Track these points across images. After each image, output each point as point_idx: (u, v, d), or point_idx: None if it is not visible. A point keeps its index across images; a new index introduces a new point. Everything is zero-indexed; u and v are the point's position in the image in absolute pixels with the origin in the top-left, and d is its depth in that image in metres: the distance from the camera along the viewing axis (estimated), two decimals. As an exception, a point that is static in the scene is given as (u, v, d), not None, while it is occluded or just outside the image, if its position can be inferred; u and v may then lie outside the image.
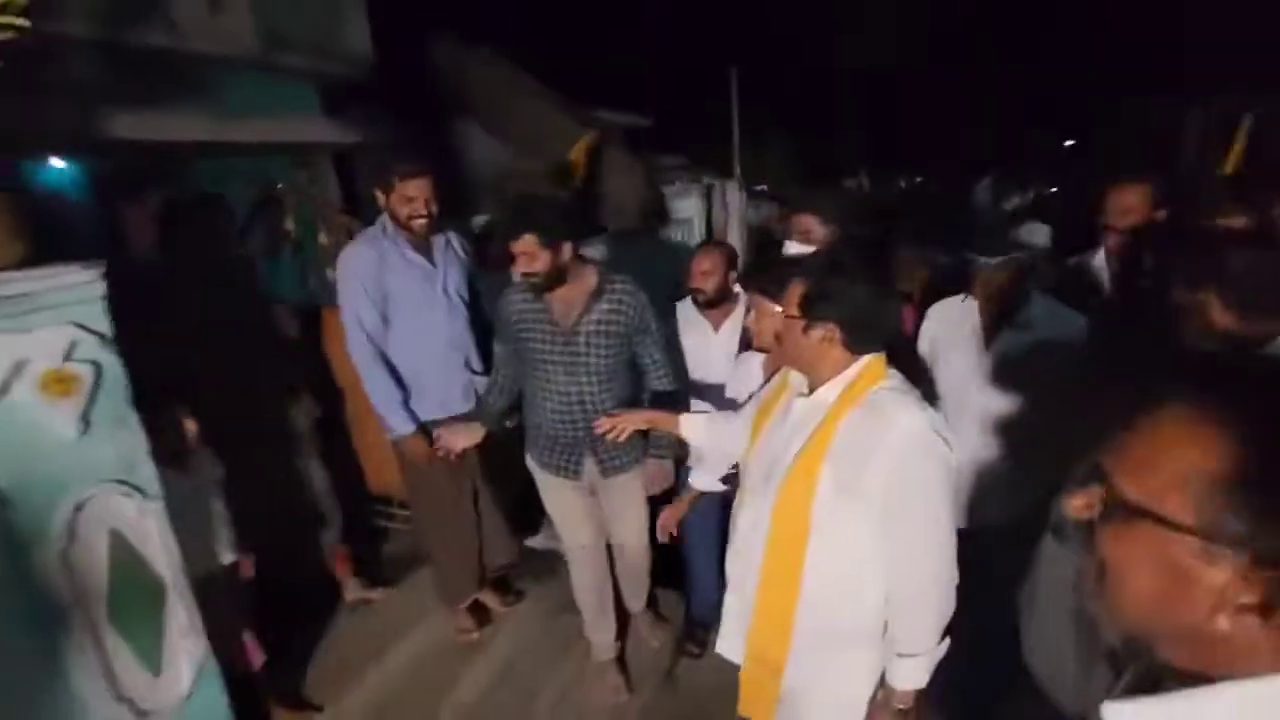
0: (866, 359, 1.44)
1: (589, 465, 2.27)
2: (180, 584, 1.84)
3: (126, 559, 1.72)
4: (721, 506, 2.72)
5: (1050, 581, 1.54)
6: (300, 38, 5.77)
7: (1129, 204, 2.37)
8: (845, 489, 1.39)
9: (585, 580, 2.51)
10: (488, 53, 6.62)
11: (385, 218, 2.37)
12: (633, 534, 2.44)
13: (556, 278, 2.07)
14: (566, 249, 2.05)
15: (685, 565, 2.95)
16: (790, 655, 1.51)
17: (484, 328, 2.64)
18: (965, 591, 1.82)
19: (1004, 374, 2.09)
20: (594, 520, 2.44)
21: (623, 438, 2.00)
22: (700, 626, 2.95)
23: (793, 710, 1.57)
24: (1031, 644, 1.59)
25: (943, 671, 2.08)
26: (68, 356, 1.57)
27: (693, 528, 2.80)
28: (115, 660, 1.72)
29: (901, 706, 1.45)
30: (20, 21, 1.46)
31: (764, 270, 1.96)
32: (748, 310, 2.14)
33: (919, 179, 13.88)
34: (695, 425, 1.95)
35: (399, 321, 2.38)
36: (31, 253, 1.53)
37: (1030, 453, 2.03)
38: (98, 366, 1.63)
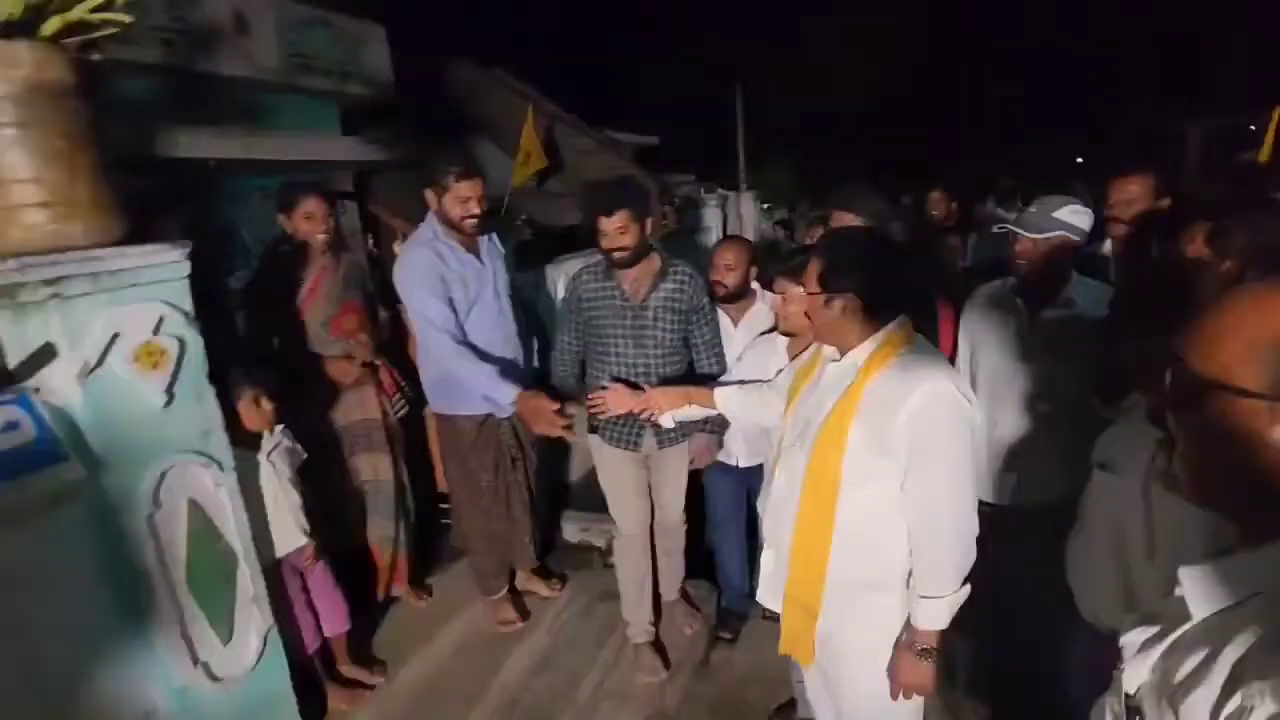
0: (891, 326, 1.56)
1: (648, 437, 2.43)
2: (250, 555, 1.92)
3: (203, 528, 1.80)
4: (746, 495, 2.81)
5: (1095, 520, 1.61)
6: (324, 61, 5.99)
7: (1133, 194, 2.49)
8: (873, 445, 1.49)
9: (629, 559, 2.60)
10: (503, 75, 6.84)
11: (433, 219, 2.45)
12: (675, 502, 2.63)
13: (638, 253, 2.28)
14: (648, 225, 2.29)
15: (715, 557, 3.02)
16: (824, 600, 1.61)
17: (525, 323, 2.74)
18: (1010, 571, 1.91)
19: (1047, 352, 2.14)
20: (644, 496, 2.57)
21: (661, 416, 2.10)
22: (732, 615, 3.02)
23: (830, 650, 1.67)
24: (1080, 587, 1.66)
25: (987, 648, 2.15)
26: (157, 331, 1.67)
27: (720, 519, 2.89)
28: (192, 626, 1.79)
29: (924, 646, 1.53)
30: (123, 17, 1.57)
31: (791, 258, 2.09)
32: (773, 297, 2.28)
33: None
34: (728, 397, 2.07)
35: (462, 319, 2.47)
36: (127, 233, 1.63)
37: (1073, 432, 2.07)
38: (182, 342, 1.72)
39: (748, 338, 2.61)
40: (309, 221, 2.47)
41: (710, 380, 2.35)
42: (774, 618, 1.75)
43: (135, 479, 1.66)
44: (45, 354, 1.56)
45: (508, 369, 2.47)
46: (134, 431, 1.66)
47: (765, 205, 8.58)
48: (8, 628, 1.46)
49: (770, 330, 2.54)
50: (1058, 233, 2.08)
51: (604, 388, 2.20)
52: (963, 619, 1.56)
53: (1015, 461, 2.23)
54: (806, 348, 1.99)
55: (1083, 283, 2.18)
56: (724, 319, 2.66)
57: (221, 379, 1.87)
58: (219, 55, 5.40)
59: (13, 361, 1.59)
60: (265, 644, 1.97)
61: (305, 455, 2.28)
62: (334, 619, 2.37)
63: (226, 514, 1.85)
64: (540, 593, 3.02)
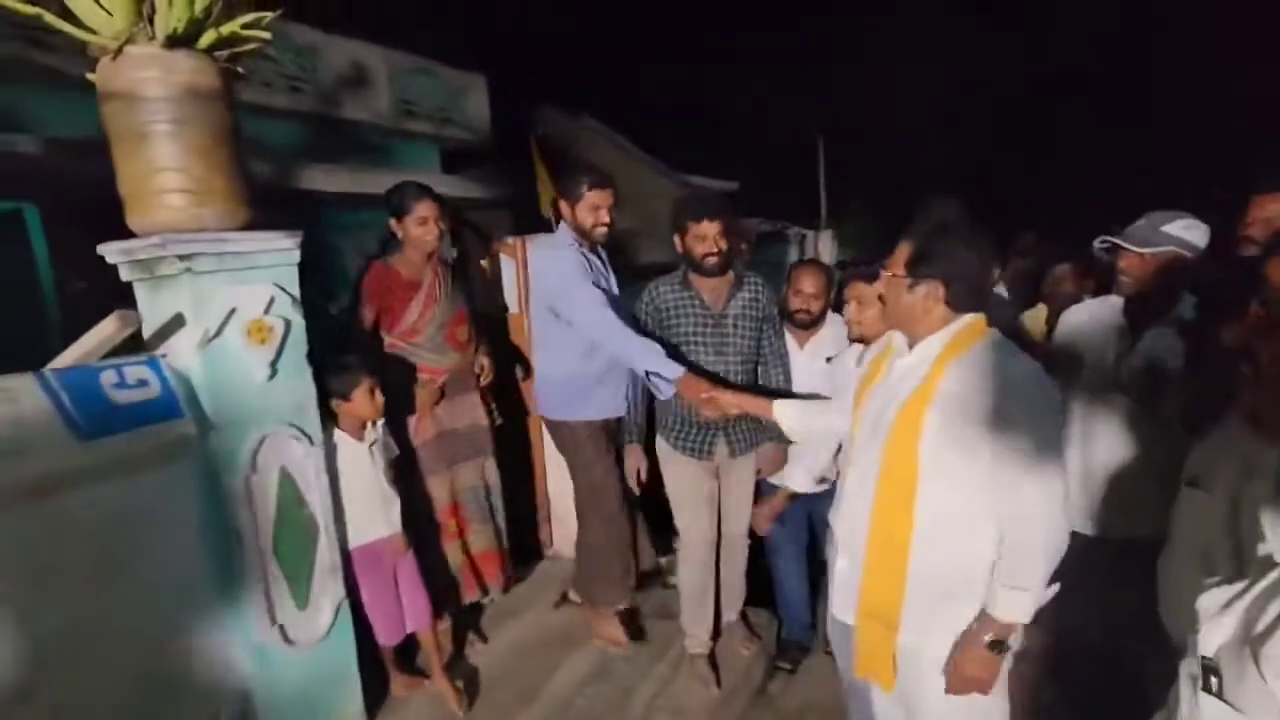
0: (968, 317, 1.53)
1: (720, 446, 2.45)
2: (329, 528, 2.04)
3: (291, 495, 1.94)
4: (808, 519, 2.76)
5: (1183, 537, 1.51)
6: (427, 107, 6.50)
7: (1274, 212, 2.29)
8: (952, 434, 1.45)
9: (692, 569, 2.58)
10: (589, 120, 7.21)
11: (566, 229, 2.51)
12: (741, 513, 2.61)
13: (726, 263, 2.36)
14: (734, 238, 2.40)
15: (776, 585, 2.95)
16: (904, 607, 1.53)
17: None
18: (1103, 609, 1.79)
19: (1150, 373, 1.97)
20: (712, 505, 2.57)
21: (710, 410, 2.18)
22: (793, 646, 2.92)
23: (912, 668, 1.56)
24: (1168, 609, 1.55)
25: (1079, 680, 1.99)
26: (268, 310, 1.85)
27: (780, 543, 2.85)
28: (274, 588, 1.92)
29: (997, 638, 1.44)
30: (265, 35, 1.81)
31: (868, 264, 2.09)
32: (845, 305, 2.29)
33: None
34: (787, 409, 2.04)
35: None
36: (253, 220, 1.84)
37: (1174, 458, 1.93)
38: (287, 322, 1.90)
39: (811, 363, 2.61)
40: (423, 226, 2.42)
41: (775, 391, 2.37)
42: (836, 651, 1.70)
43: (238, 443, 1.83)
44: (175, 323, 1.77)
45: (626, 374, 2.56)
46: (241, 399, 1.83)
47: (839, 247, 8.55)
48: (116, 565, 1.61)
49: (833, 355, 2.54)
50: (1167, 248, 1.95)
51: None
52: (1054, 662, 1.47)
53: (1112, 491, 2.06)
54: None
55: (1194, 302, 1.99)
56: (790, 341, 2.65)
57: (320, 376, 2.07)
58: (339, 101, 5.98)
59: (149, 330, 1.81)
60: (337, 615, 2.08)
61: (398, 451, 2.39)
62: (419, 614, 2.39)
63: (312, 485, 1.99)
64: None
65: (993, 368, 1.44)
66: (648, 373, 2.33)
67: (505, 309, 3.29)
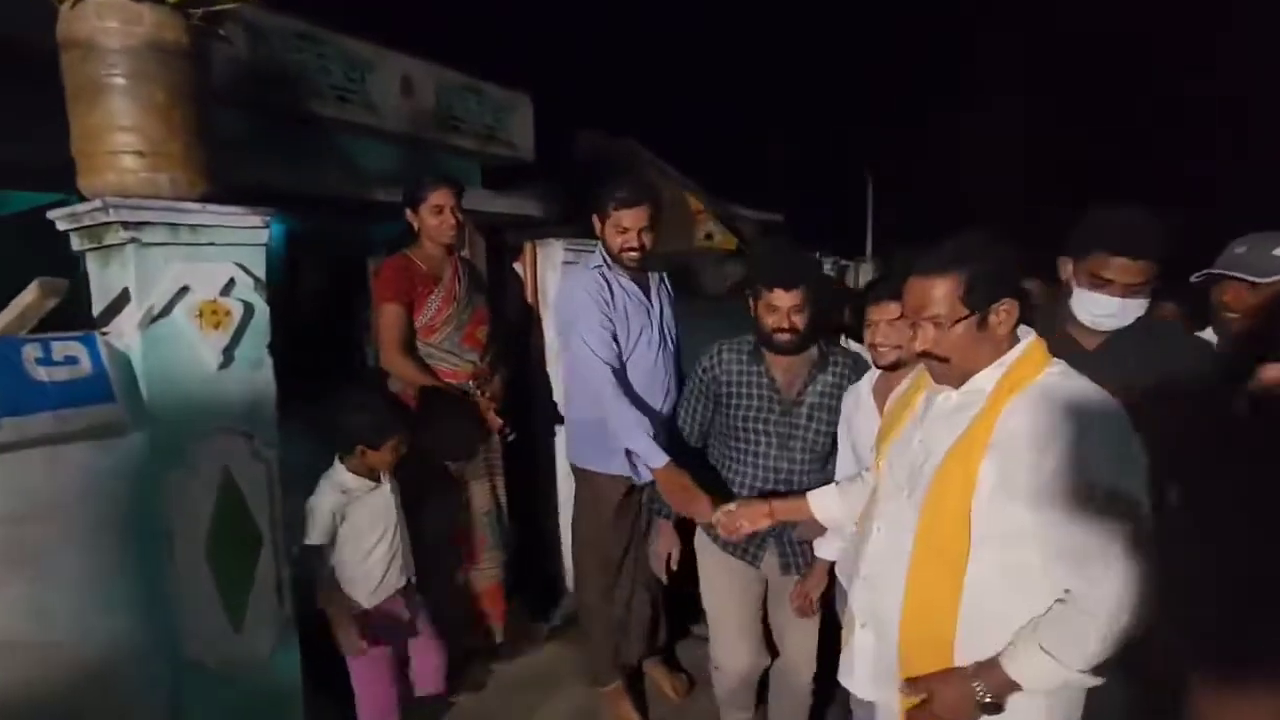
0: (1028, 342, 1.24)
1: (770, 557, 1.94)
2: (279, 543, 1.82)
3: (233, 501, 1.72)
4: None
5: None
6: (472, 124, 6.47)
7: None
8: (1013, 488, 1.14)
9: (726, 709, 2.11)
10: (632, 144, 7.08)
11: (601, 248, 2.24)
12: (802, 648, 1.99)
13: (803, 343, 1.88)
14: (815, 313, 1.88)
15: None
16: None
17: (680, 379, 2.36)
18: None
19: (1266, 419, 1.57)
20: (756, 625, 2.01)
21: (737, 535, 1.78)
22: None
23: None
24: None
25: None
26: (224, 291, 1.67)
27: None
28: (206, 603, 1.69)
29: (994, 696, 1.14)
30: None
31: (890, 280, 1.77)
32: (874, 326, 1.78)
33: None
34: (826, 499, 1.68)
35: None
36: (212, 193, 1.66)
37: None
38: (248, 307, 1.71)
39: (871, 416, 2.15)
40: (438, 216, 2.21)
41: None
42: None
43: (178, 434, 1.62)
44: (122, 300, 1.59)
45: (659, 427, 2.11)
46: (185, 388, 1.63)
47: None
48: (30, 552, 1.41)
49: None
50: None
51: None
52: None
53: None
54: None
55: None
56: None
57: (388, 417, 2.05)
58: (384, 113, 5.99)
59: (99, 307, 1.64)
60: (280, 637, 1.84)
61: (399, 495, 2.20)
62: (431, 675, 2.14)
63: (260, 491, 1.77)
64: (663, 688, 2.52)
65: (1065, 408, 1.13)
66: (627, 450, 2.05)
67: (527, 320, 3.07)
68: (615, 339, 2.15)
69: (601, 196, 2.17)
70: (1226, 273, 1.67)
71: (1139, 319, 1.60)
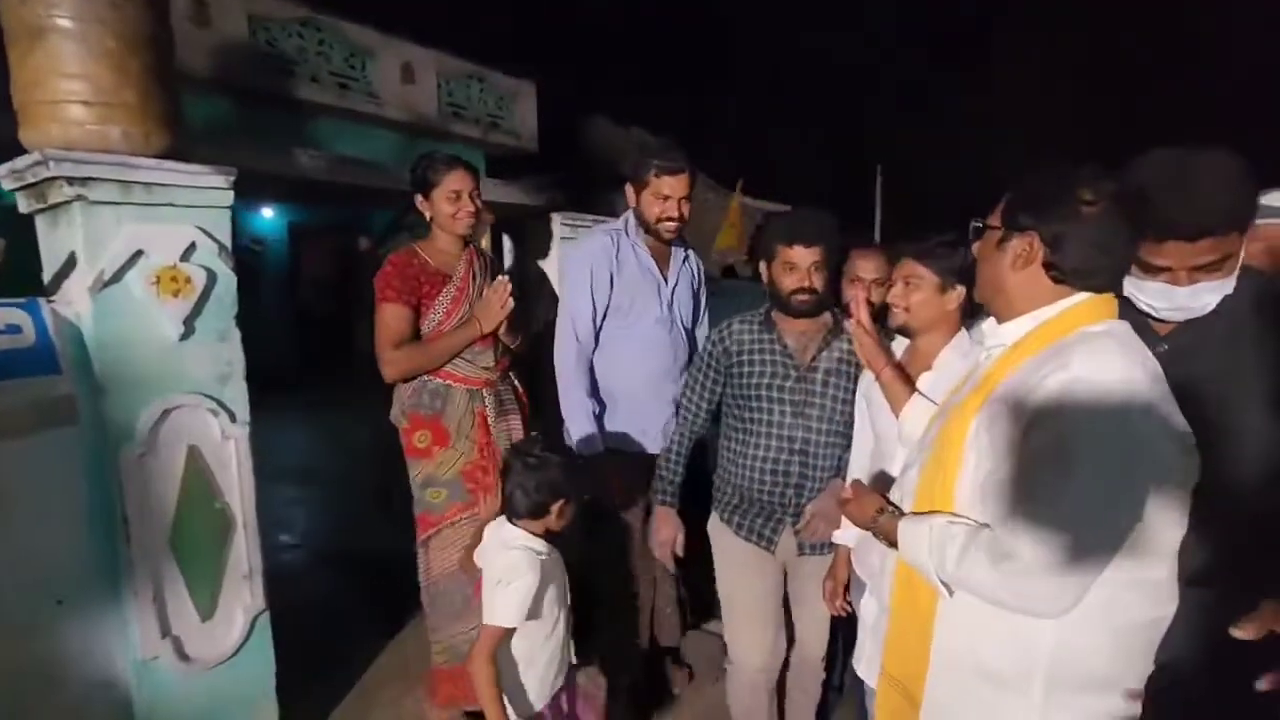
0: (1083, 297, 1.00)
1: (786, 537, 1.80)
2: (251, 525, 1.68)
3: (200, 481, 1.58)
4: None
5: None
6: (475, 111, 6.32)
7: None
8: (1003, 450, 0.96)
9: (743, 705, 1.92)
10: (640, 133, 6.91)
11: (630, 215, 2.05)
12: (817, 631, 1.87)
13: (819, 304, 1.76)
14: (830, 272, 1.76)
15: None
16: (928, 684, 1.06)
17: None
18: None
19: None
20: (776, 614, 1.87)
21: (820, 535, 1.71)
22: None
23: None
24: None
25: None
26: (185, 257, 1.52)
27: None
28: (169, 591, 1.55)
29: (879, 532, 1.12)
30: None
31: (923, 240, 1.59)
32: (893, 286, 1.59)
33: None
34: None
35: (613, 330, 2.03)
36: (175, 149, 1.52)
37: None
38: (212, 274, 1.57)
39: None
40: (454, 203, 1.87)
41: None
42: None
43: (135, 411, 1.48)
44: (70, 264, 1.45)
45: (660, 413, 1.97)
46: (141, 359, 1.49)
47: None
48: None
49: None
50: (1272, 221, 1.42)
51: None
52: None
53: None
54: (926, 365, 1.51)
55: None
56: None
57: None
58: (386, 101, 5.85)
59: (48, 273, 1.50)
60: (252, 630, 1.70)
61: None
62: None
63: (231, 472, 1.63)
64: (669, 679, 2.30)
65: (1057, 365, 0.93)
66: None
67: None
68: (608, 311, 1.99)
69: (640, 163, 1.97)
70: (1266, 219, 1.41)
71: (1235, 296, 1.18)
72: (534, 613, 1.38)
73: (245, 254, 7.56)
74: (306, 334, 7.16)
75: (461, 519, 1.82)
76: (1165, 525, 0.90)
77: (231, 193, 1.58)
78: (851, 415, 1.76)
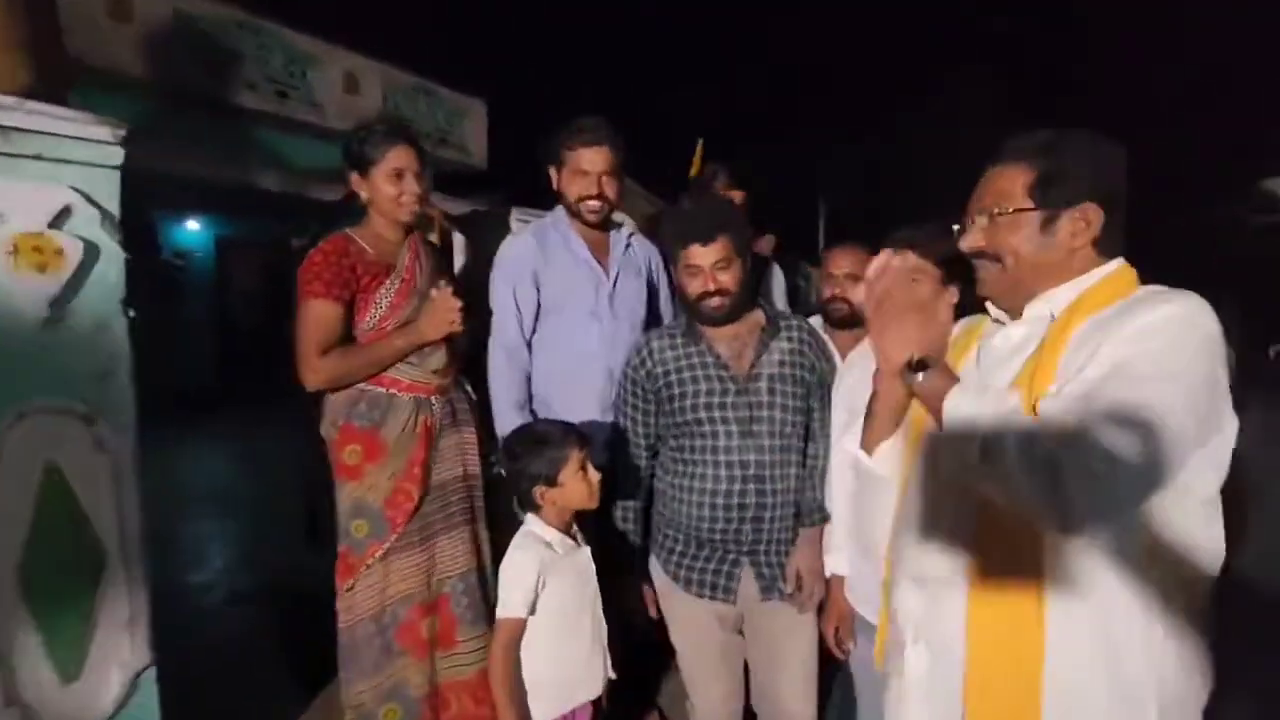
0: (1116, 264, 0.93)
1: (746, 582, 1.53)
2: (134, 561, 1.34)
3: (61, 506, 1.24)
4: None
5: None
6: (422, 125, 6.04)
7: None
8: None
9: None
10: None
11: (560, 207, 1.84)
12: (795, 690, 1.57)
13: (740, 303, 1.54)
14: (745, 266, 1.53)
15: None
16: None
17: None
18: None
19: None
20: (737, 676, 1.62)
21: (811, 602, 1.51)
22: None
23: None
24: None
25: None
26: (55, 223, 1.21)
27: (859, 673, 1.56)
28: (18, 645, 1.20)
29: (917, 370, 0.91)
30: None
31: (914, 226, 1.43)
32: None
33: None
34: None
35: (549, 331, 1.78)
36: (48, 90, 1.21)
37: None
38: (92, 248, 1.25)
39: (859, 380, 1.60)
40: (395, 183, 1.56)
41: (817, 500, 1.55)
42: None
43: (-25, 414, 1.15)
44: (-104, 228, 1.12)
45: (596, 426, 1.66)
46: (-11, 348, 1.16)
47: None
48: None
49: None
50: None
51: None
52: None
53: None
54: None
55: None
56: (833, 354, 1.76)
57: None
58: (327, 111, 5.52)
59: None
60: (133, 691, 1.34)
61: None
62: None
63: (103, 495, 1.29)
64: None
65: (1137, 312, 0.83)
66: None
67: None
68: (539, 313, 1.77)
69: (555, 138, 1.75)
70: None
71: None
72: (547, 610, 1.31)
73: (168, 268, 7.01)
74: (233, 351, 6.63)
75: (376, 560, 1.51)
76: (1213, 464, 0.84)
77: (121, 151, 1.28)
78: (804, 427, 1.55)
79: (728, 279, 1.47)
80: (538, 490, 1.34)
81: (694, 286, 1.49)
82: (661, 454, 1.62)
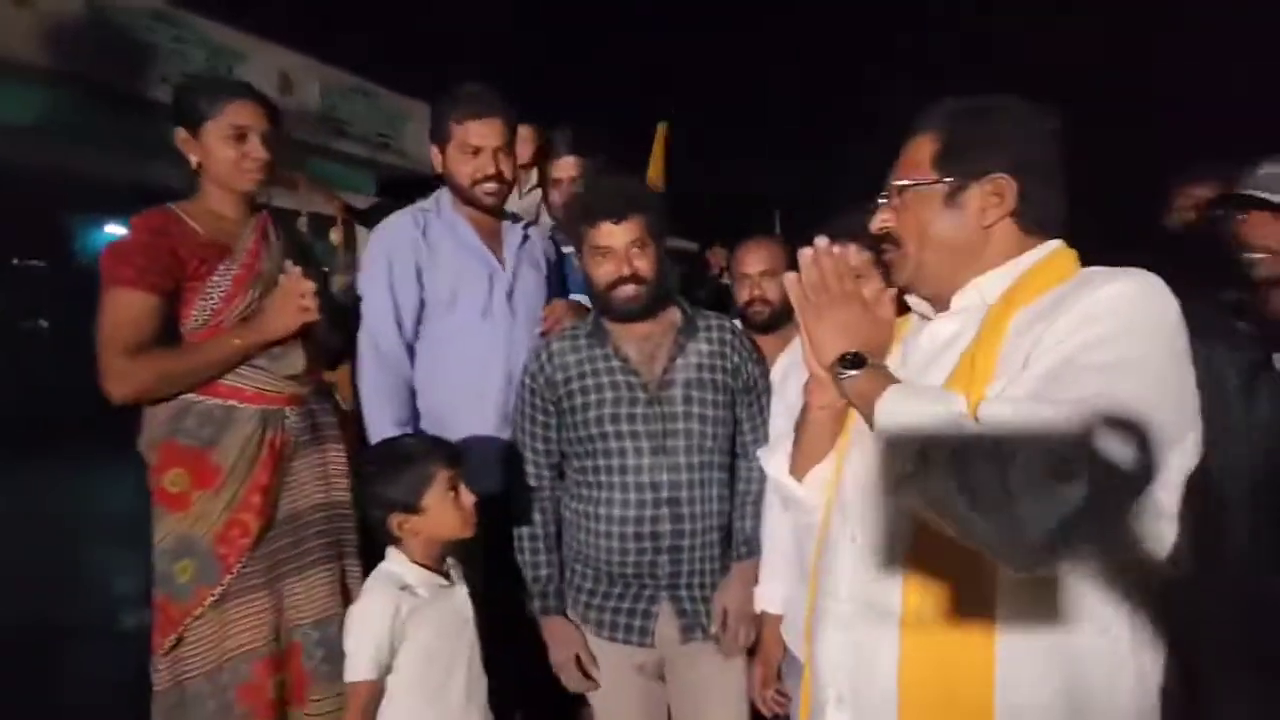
0: (1054, 245, 0.81)
1: (665, 620, 1.35)
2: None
3: None
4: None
5: None
6: (361, 128, 5.78)
7: None
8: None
9: None
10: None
11: (445, 190, 1.61)
12: None
13: (655, 295, 1.34)
14: (661, 254, 1.35)
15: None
16: None
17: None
18: None
19: None
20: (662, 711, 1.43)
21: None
22: None
23: None
24: None
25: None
26: None
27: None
28: None
29: (846, 364, 0.78)
30: None
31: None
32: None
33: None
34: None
35: (434, 333, 1.55)
36: None
37: None
38: None
39: (789, 390, 1.43)
40: (236, 144, 1.29)
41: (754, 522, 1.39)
42: None
43: None
44: None
45: (489, 448, 1.47)
46: None
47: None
48: None
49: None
50: None
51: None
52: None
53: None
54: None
55: None
56: None
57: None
58: (258, 110, 5.23)
59: None
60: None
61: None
62: None
63: None
64: None
65: (1083, 291, 0.72)
66: None
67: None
68: (423, 312, 1.54)
69: (440, 113, 1.53)
70: (1250, 194, 1.23)
71: None
72: (409, 665, 1.10)
73: (85, 274, 6.55)
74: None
75: (207, 608, 1.24)
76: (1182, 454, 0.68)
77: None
78: (728, 441, 1.38)
79: (644, 265, 1.29)
80: (394, 519, 1.13)
81: (604, 271, 1.29)
82: (565, 477, 1.43)
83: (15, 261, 6.10)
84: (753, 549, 1.36)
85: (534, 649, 1.39)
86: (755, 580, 1.35)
